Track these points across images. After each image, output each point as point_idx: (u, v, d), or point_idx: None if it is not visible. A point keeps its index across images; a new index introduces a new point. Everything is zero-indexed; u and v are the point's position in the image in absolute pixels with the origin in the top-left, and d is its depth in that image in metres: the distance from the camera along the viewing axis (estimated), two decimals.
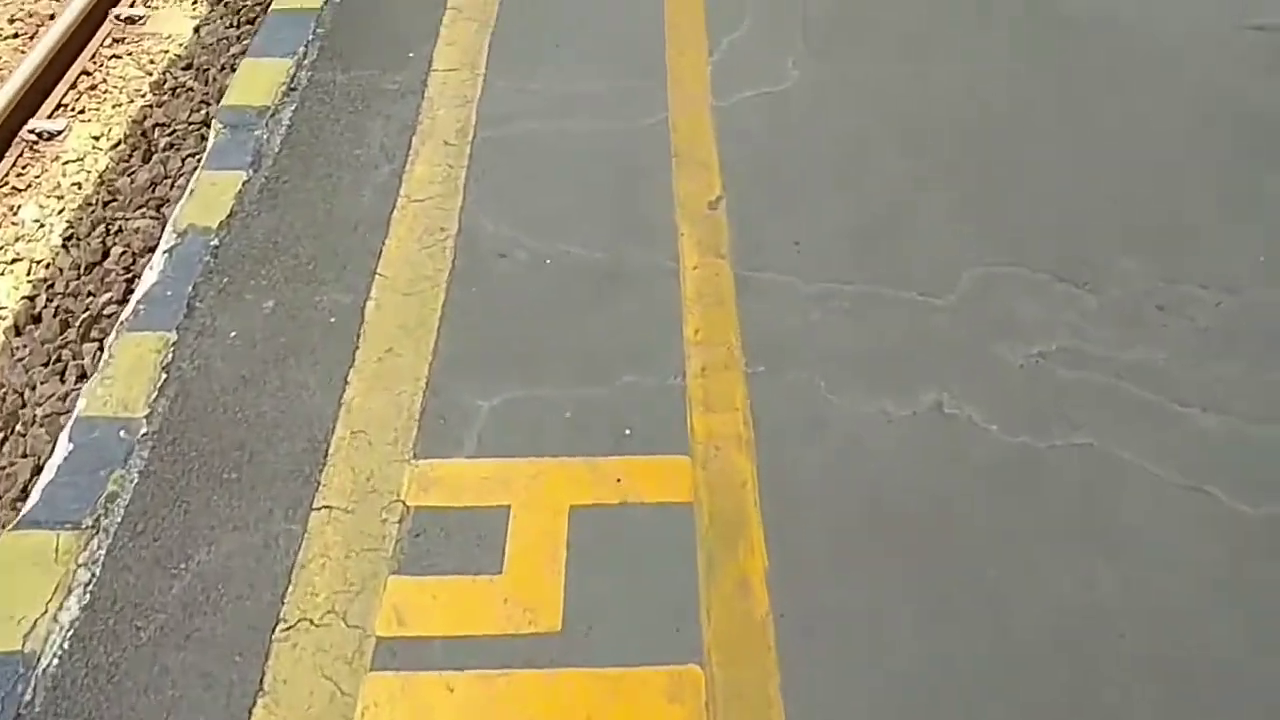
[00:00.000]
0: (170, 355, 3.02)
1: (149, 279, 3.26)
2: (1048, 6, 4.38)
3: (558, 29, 4.27)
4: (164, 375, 2.97)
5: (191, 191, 3.53)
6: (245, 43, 5.25)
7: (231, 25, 5.44)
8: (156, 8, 5.69)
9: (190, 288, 3.21)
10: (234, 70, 5.03)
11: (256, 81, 3.97)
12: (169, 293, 3.20)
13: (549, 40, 4.21)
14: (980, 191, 3.56)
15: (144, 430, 2.84)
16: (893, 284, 3.23)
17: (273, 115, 3.81)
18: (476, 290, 3.23)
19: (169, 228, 3.42)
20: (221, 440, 2.81)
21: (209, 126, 4.38)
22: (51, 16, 5.49)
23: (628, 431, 2.83)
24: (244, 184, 3.55)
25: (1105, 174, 3.61)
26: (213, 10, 5.65)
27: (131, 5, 5.60)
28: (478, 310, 3.17)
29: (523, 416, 2.87)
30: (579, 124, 3.82)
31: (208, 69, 5.17)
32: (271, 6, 4.41)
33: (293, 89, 3.94)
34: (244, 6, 5.57)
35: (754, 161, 3.68)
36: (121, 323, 3.14)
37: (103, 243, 4.31)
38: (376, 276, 3.26)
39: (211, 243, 3.35)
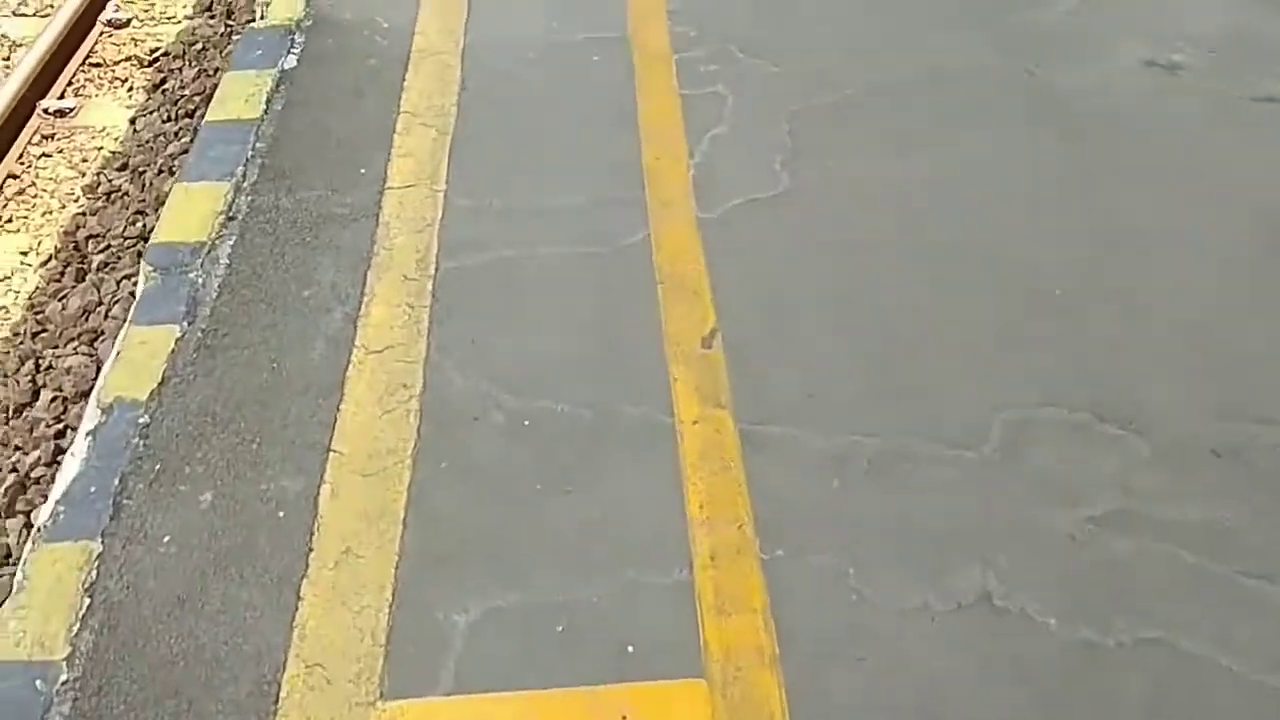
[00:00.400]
0: (95, 573, 2.52)
1: (70, 469, 2.76)
2: (1042, 90, 3.97)
3: (522, 132, 3.80)
4: (87, 600, 2.47)
5: (118, 354, 3.03)
6: (184, 139, 4.74)
7: (169, 119, 4.91)
8: (89, 96, 5.16)
9: (117, 480, 2.71)
10: (172, 173, 4.53)
11: (190, 211, 3.46)
12: (93, 489, 2.70)
13: (513, 146, 3.74)
14: (1000, 314, 3.14)
15: (64, 677, 2.34)
16: (918, 435, 2.80)
17: (209, 253, 3.31)
18: (447, 465, 2.75)
19: (93, 402, 2.91)
20: (155, 686, 2.32)
21: (145, 241, 3.88)
22: None
23: (630, 648, 2.37)
24: (177, 341, 3.05)
25: (1132, 287, 3.21)
26: (149, 98, 5.12)
27: (60, 97, 5.06)
28: (449, 491, 2.70)
29: (507, 634, 2.41)
30: (552, 248, 3.35)
31: (144, 171, 4.64)
32: (206, 117, 3.90)
33: (231, 218, 3.44)
34: (182, 96, 5.04)
35: (749, 285, 3.24)
36: (38, 531, 2.64)
37: (32, 382, 3.79)
38: (331, 454, 2.77)
39: (141, 420, 2.85)
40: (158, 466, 2.75)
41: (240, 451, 2.78)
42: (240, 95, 3.92)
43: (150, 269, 3.27)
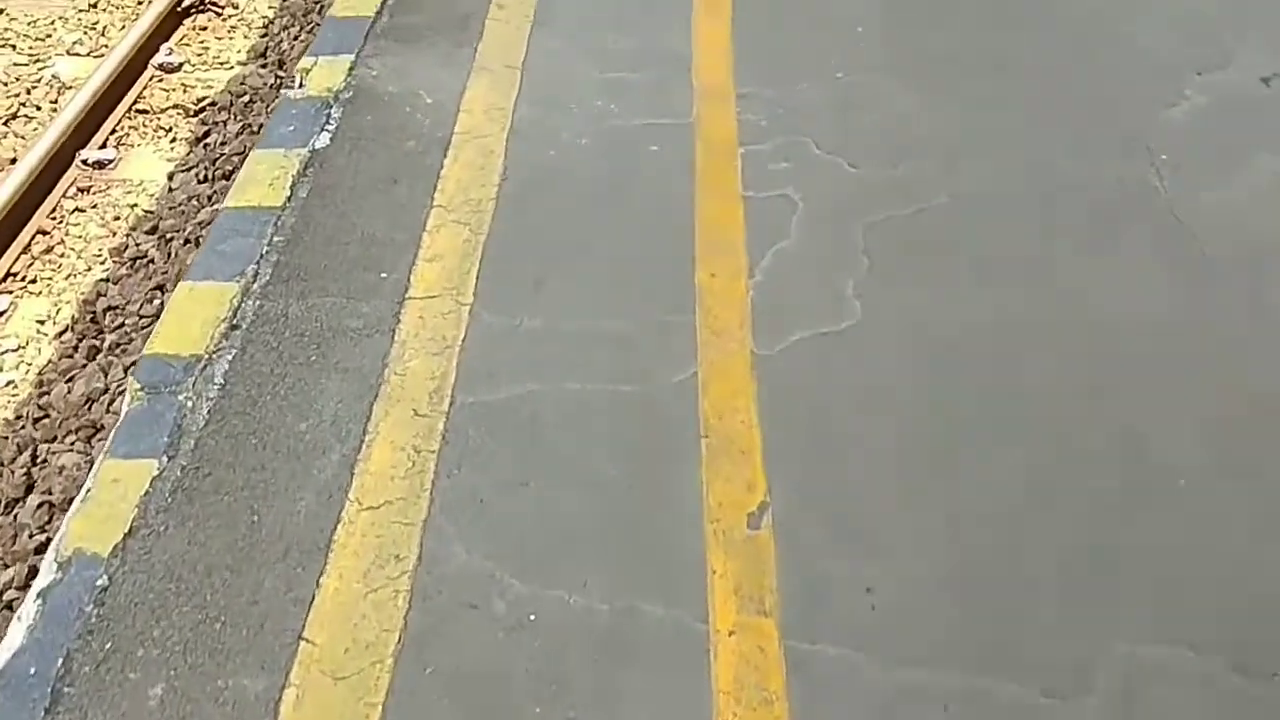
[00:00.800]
0: None
1: (13, 639, 2.36)
2: (1167, 209, 3.36)
3: (563, 235, 3.32)
4: None
5: (88, 492, 2.63)
6: (216, 204, 4.39)
7: (205, 179, 4.57)
8: (132, 145, 4.85)
9: (60, 661, 2.30)
10: (198, 243, 4.17)
11: (191, 317, 3.06)
12: (33, 670, 2.29)
13: (552, 252, 3.26)
14: (1110, 507, 2.55)
15: None
16: (1005, 672, 2.24)
17: (204, 370, 2.90)
18: (433, 671, 2.28)
19: (50, 554, 2.52)
20: None
21: (158, 319, 3.52)
22: (13, 160, 4.66)
23: None
24: (153, 481, 2.64)
25: (1277, 482, 2.59)
26: (190, 152, 4.79)
27: (102, 147, 4.76)
28: (431, 709, 2.22)
29: None
30: (583, 383, 2.87)
31: (171, 237, 4.30)
32: (225, 202, 3.51)
33: (235, 327, 3.03)
34: (221, 155, 4.70)
35: (808, 447, 2.71)
36: None
37: (27, 475, 3.46)
38: (302, 644, 2.32)
39: (99, 582, 2.44)
40: (108, 644, 2.33)
41: (202, 632, 2.35)
42: (265, 178, 3.52)
43: (138, 387, 2.87)
